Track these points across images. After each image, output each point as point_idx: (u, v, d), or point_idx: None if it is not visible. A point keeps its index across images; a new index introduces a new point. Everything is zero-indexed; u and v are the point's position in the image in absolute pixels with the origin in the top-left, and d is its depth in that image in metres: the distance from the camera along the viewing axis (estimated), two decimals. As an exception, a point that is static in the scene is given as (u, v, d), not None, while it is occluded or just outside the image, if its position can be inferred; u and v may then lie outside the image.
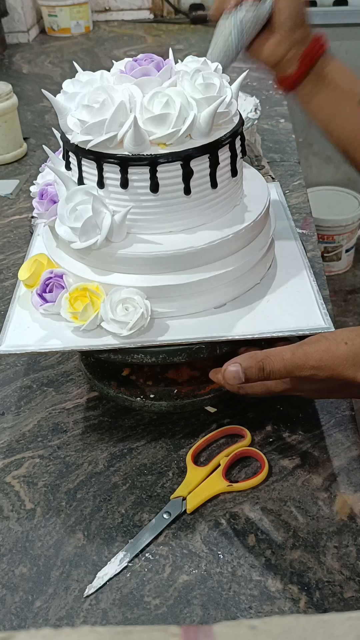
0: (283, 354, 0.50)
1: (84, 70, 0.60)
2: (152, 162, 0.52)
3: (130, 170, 0.53)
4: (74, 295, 0.56)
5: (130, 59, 0.57)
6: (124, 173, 0.53)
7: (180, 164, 0.53)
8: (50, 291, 0.58)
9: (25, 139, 1.26)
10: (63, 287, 0.57)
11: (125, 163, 0.53)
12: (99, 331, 0.56)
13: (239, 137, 0.57)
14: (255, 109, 1.00)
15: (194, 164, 0.53)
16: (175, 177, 0.54)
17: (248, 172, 0.64)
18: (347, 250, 2.16)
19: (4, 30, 1.84)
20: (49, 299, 0.58)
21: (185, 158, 0.53)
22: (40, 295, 0.58)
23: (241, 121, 0.58)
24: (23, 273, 0.61)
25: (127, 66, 0.56)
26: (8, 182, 1.14)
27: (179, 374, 0.66)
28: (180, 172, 0.53)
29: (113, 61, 0.60)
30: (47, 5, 1.91)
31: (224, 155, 0.56)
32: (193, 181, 0.54)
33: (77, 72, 0.59)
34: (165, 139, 0.52)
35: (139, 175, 0.53)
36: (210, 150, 0.54)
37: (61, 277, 0.58)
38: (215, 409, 0.65)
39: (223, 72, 0.59)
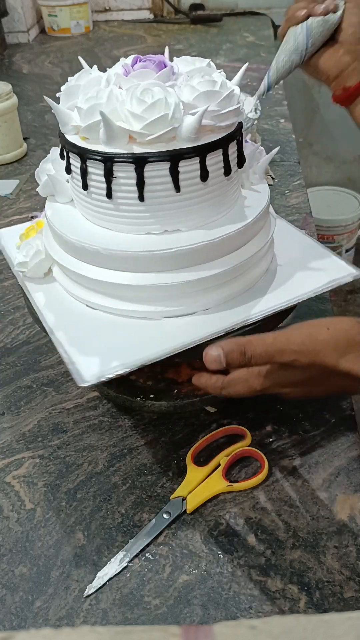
0: (265, 339, 0.49)
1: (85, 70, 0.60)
2: (138, 160, 0.52)
3: (114, 167, 0.53)
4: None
5: (134, 56, 0.57)
6: (107, 169, 0.53)
7: (134, 168, 0.52)
8: None
9: (25, 139, 1.26)
10: None
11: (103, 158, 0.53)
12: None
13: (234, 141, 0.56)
14: (255, 109, 1.00)
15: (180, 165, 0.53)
16: (164, 177, 0.53)
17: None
18: (347, 250, 2.16)
19: (4, 30, 1.84)
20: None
21: (139, 160, 0.52)
22: None
23: (239, 125, 0.58)
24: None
25: (127, 64, 0.56)
26: (8, 182, 1.14)
27: (179, 374, 0.66)
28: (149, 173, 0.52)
29: (115, 62, 0.59)
30: (47, 5, 1.91)
31: (211, 160, 0.54)
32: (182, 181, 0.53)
33: (77, 72, 0.59)
34: (137, 136, 0.51)
35: (124, 173, 0.53)
36: (174, 157, 0.52)
37: None
38: (215, 409, 0.65)
39: (280, 80, 0.65)
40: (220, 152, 0.54)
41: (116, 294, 0.57)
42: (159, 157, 0.51)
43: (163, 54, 0.57)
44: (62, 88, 0.57)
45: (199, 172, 0.53)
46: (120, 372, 0.51)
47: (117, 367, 0.52)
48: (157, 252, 0.54)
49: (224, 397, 0.55)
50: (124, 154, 0.52)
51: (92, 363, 0.53)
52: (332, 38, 0.67)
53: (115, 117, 0.52)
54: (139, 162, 0.51)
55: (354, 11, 0.66)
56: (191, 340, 0.54)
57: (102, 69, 0.58)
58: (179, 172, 0.52)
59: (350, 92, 0.68)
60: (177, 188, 0.53)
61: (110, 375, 0.51)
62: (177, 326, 0.56)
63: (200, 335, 0.54)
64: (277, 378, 0.52)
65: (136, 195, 0.53)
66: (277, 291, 0.60)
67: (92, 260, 0.56)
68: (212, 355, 0.49)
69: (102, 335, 0.56)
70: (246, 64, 0.63)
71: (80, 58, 0.63)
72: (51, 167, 0.63)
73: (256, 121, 0.99)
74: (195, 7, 2.07)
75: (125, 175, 0.52)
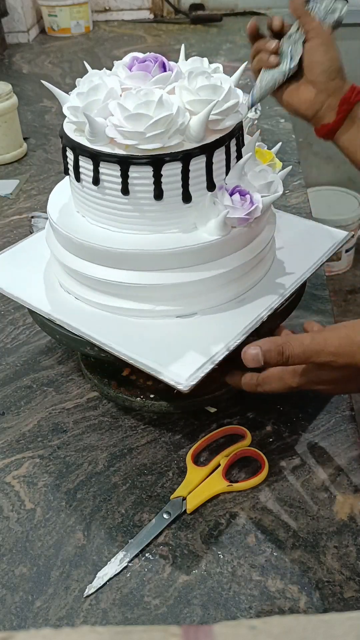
0: (302, 339, 0.50)
1: (84, 70, 0.60)
2: (123, 161, 0.52)
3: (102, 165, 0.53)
4: None
5: (134, 54, 0.57)
6: (95, 167, 0.53)
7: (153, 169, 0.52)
8: None
9: (25, 139, 1.26)
10: None
11: (96, 158, 0.53)
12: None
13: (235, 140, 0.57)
14: (255, 109, 1.00)
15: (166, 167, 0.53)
16: (176, 175, 0.53)
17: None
18: (347, 250, 2.16)
19: (4, 30, 1.84)
20: None
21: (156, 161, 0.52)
22: None
23: (239, 125, 0.58)
24: None
25: (129, 62, 0.56)
26: (8, 182, 1.14)
27: (179, 374, 0.66)
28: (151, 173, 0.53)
29: (114, 62, 0.59)
30: (47, 5, 1.91)
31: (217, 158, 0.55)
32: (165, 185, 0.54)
33: (77, 72, 0.59)
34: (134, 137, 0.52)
35: (140, 173, 0.53)
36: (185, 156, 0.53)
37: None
38: (215, 409, 0.65)
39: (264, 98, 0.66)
40: (223, 150, 0.55)
41: (128, 293, 0.58)
42: (174, 157, 0.52)
43: (164, 54, 0.57)
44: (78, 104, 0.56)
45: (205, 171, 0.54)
46: (210, 367, 0.52)
47: (205, 363, 0.52)
48: (183, 248, 0.55)
49: (259, 394, 0.56)
50: (140, 155, 0.52)
51: (177, 367, 0.53)
52: (301, 76, 0.68)
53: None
54: (157, 163, 0.52)
55: (319, 49, 0.67)
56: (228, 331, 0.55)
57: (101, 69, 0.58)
58: (189, 170, 0.53)
59: (330, 128, 0.69)
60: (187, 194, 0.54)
61: (207, 370, 0.52)
62: (210, 322, 0.58)
63: (240, 327, 0.55)
64: (313, 376, 0.53)
65: (152, 195, 0.54)
66: (279, 282, 0.61)
67: (99, 260, 0.57)
68: (251, 353, 0.51)
69: (150, 340, 0.56)
70: (244, 64, 0.63)
71: (85, 63, 0.63)
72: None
73: (256, 121, 0.99)
74: (195, 7, 2.06)
75: (141, 175, 0.53)
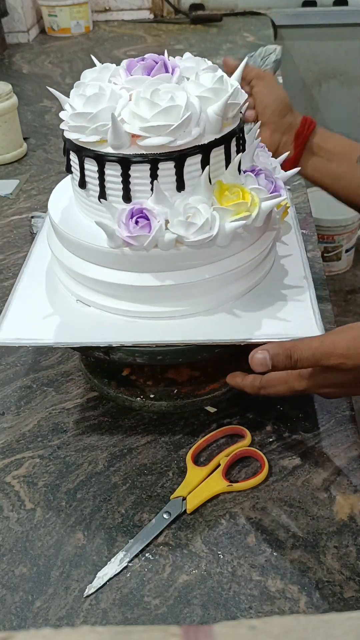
0: (311, 343, 0.50)
1: (84, 70, 0.60)
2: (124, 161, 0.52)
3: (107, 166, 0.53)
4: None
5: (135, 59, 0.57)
6: (100, 167, 0.53)
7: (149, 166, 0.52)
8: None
9: (25, 139, 1.26)
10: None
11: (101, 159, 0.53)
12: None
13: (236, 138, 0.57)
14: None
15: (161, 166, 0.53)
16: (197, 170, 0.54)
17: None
18: (347, 250, 2.16)
19: (4, 30, 1.84)
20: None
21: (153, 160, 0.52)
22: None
23: (240, 125, 0.58)
24: None
25: (129, 65, 0.56)
26: (8, 182, 1.14)
27: (179, 374, 0.66)
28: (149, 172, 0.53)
29: (114, 62, 0.60)
30: (47, 5, 1.91)
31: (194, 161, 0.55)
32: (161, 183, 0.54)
33: (77, 72, 0.59)
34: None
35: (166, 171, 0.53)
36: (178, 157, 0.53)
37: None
38: (215, 409, 0.65)
39: None
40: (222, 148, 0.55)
41: (109, 292, 0.58)
42: (194, 151, 0.53)
43: (163, 54, 0.57)
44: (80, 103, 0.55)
45: (224, 163, 0.55)
46: (26, 343, 0.57)
47: (32, 339, 0.57)
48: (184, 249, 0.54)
49: (263, 397, 0.56)
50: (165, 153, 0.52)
51: (21, 328, 0.58)
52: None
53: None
54: (180, 158, 0.52)
55: (264, 91, 0.71)
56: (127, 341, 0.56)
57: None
58: (208, 163, 0.54)
59: (292, 162, 0.72)
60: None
61: (16, 344, 0.57)
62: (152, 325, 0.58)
63: (137, 340, 0.56)
64: (320, 380, 0.53)
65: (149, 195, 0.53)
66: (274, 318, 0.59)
67: (94, 259, 0.57)
68: (259, 358, 0.50)
69: (64, 318, 0.59)
70: (246, 59, 0.63)
71: (93, 57, 0.63)
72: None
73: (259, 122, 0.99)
74: (195, 7, 2.06)
75: (164, 173, 0.53)
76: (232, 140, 0.55)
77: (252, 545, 0.53)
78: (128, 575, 0.51)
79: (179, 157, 0.52)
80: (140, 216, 0.52)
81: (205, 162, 0.53)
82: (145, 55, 0.56)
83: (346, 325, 0.52)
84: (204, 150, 0.53)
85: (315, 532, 0.53)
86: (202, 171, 0.53)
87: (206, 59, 0.58)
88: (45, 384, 0.70)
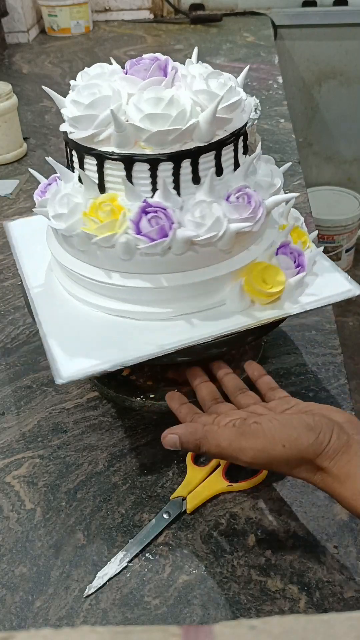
0: (219, 441, 0.48)
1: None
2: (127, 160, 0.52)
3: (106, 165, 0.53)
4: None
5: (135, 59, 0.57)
6: (100, 168, 0.53)
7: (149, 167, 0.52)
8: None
9: (25, 139, 1.26)
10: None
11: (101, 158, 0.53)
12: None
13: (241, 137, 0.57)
14: (255, 109, 1.00)
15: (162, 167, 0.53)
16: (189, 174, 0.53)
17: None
18: (347, 250, 2.16)
19: (4, 30, 1.84)
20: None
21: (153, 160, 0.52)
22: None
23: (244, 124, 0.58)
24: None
25: (130, 65, 0.56)
26: (8, 182, 1.14)
27: (179, 374, 0.66)
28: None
29: (113, 61, 0.59)
30: (47, 5, 1.91)
31: (207, 160, 0.55)
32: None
33: (77, 72, 0.59)
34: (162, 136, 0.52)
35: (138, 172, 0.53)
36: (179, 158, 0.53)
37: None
38: (215, 409, 0.65)
39: None
40: (225, 148, 0.55)
41: (117, 295, 0.57)
42: (177, 155, 0.52)
43: (163, 53, 0.57)
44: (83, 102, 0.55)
45: (214, 169, 0.54)
46: (96, 371, 0.53)
47: (95, 365, 0.53)
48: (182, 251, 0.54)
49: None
50: (167, 153, 0.52)
51: (71, 360, 0.54)
52: None
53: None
54: (178, 159, 0.52)
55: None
56: (173, 345, 0.54)
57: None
58: (198, 166, 0.53)
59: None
60: (197, 180, 0.54)
61: (87, 374, 0.52)
62: (163, 329, 0.57)
63: (184, 340, 0.55)
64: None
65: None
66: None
67: (99, 262, 0.57)
68: (169, 440, 0.49)
69: (91, 334, 0.57)
70: (247, 67, 0.63)
71: (112, 59, 0.63)
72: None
73: (256, 121, 0.99)
74: (195, 7, 2.07)
75: (163, 174, 0.53)
76: (240, 139, 0.56)
77: (252, 545, 0.53)
78: (128, 575, 0.51)
79: (187, 155, 0.52)
80: (154, 216, 0.52)
81: (212, 162, 0.53)
82: (145, 55, 0.56)
83: (260, 429, 0.47)
84: (195, 154, 0.53)
85: (315, 532, 0.53)
86: (215, 169, 0.53)
87: (207, 65, 0.58)
88: (45, 384, 0.70)
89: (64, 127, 0.56)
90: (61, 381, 0.52)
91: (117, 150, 0.52)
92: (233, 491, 0.57)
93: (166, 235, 0.52)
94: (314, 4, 2.02)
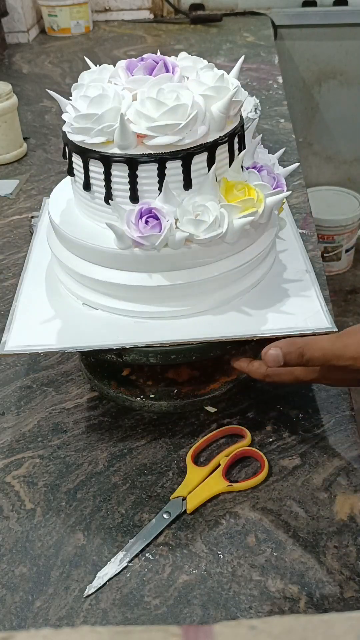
0: (322, 343, 0.51)
1: (84, 70, 0.60)
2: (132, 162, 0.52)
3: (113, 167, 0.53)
4: None
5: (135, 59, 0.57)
6: (106, 169, 0.53)
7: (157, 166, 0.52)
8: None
9: (25, 139, 1.26)
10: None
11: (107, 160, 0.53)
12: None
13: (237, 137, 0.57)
14: (255, 109, 1.00)
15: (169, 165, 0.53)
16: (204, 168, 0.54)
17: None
18: (347, 250, 2.16)
19: (4, 30, 1.84)
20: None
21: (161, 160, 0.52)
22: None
23: (241, 122, 0.58)
24: None
25: (129, 65, 0.56)
26: (8, 182, 1.14)
27: (179, 374, 0.66)
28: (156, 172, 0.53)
29: (115, 62, 0.59)
30: (47, 5, 1.91)
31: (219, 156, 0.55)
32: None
33: (77, 72, 0.59)
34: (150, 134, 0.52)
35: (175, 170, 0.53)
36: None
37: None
38: (215, 409, 0.65)
39: None
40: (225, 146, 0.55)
41: (116, 294, 0.57)
42: (201, 149, 0.52)
43: (163, 53, 0.57)
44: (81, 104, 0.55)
45: (227, 161, 0.55)
46: (33, 351, 0.56)
47: (42, 345, 0.56)
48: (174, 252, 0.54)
49: (266, 383, 0.58)
50: (148, 154, 0.52)
51: (23, 335, 0.57)
52: None
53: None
54: (187, 157, 0.52)
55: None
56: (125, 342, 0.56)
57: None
58: (214, 161, 0.54)
59: None
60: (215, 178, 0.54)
61: (23, 351, 0.56)
62: (158, 324, 0.57)
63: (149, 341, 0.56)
64: (326, 374, 0.55)
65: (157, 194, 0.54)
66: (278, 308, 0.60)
67: (90, 259, 0.57)
68: (272, 354, 0.52)
69: (72, 322, 0.59)
70: (242, 57, 0.63)
71: (86, 58, 0.62)
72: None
73: (256, 121, 0.99)
74: (195, 7, 2.06)
75: (175, 171, 0.53)
76: (235, 137, 0.56)
77: (252, 545, 0.53)
78: (128, 575, 0.51)
79: (186, 156, 0.52)
80: (150, 216, 0.52)
81: (211, 160, 0.53)
82: (144, 55, 0.56)
83: (356, 326, 0.52)
84: (210, 148, 0.53)
85: (315, 532, 0.53)
86: (208, 169, 0.53)
87: (202, 58, 0.58)
88: (45, 384, 0.70)
89: (65, 128, 0.56)
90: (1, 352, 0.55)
91: (120, 152, 0.52)
92: (233, 491, 0.57)
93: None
94: (314, 4, 2.02)
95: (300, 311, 0.58)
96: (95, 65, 0.59)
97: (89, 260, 0.57)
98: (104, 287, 0.57)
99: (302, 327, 0.56)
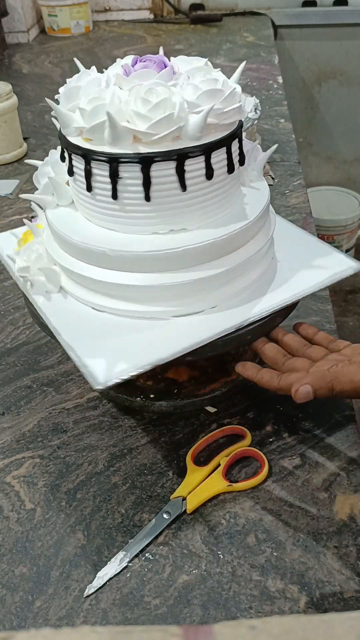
0: (351, 376, 0.51)
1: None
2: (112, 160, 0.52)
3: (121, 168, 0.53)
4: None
5: (132, 57, 0.57)
6: (112, 170, 0.53)
7: (140, 168, 0.52)
8: None
9: (25, 139, 1.26)
10: None
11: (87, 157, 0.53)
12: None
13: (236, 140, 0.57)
14: (255, 109, 1.00)
15: (187, 163, 0.53)
16: (170, 176, 0.53)
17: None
18: (347, 250, 2.16)
19: (4, 30, 1.84)
20: None
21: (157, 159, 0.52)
22: None
23: (240, 123, 0.58)
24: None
25: (128, 64, 0.56)
26: (8, 182, 1.14)
27: (179, 374, 0.66)
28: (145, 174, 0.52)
29: (118, 59, 0.59)
30: (47, 5, 1.91)
31: (216, 158, 0.55)
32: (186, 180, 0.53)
33: (77, 72, 0.59)
34: (143, 136, 0.51)
35: (130, 173, 0.53)
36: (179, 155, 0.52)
37: None
38: (215, 409, 0.65)
39: None
40: (224, 150, 0.55)
41: (123, 295, 0.57)
42: (166, 156, 0.51)
43: (159, 52, 0.57)
44: (61, 90, 0.57)
45: (204, 171, 0.53)
46: (132, 374, 0.52)
47: (128, 368, 0.52)
48: (165, 251, 0.54)
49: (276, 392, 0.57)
50: (130, 154, 0.52)
51: (102, 365, 0.53)
52: None
53: (120, 117, 0.51)
54: (146, 161, 0.51)
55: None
56: (200, 339, 0.54)
57: (102, 70, 0.58)
58: (185, 170, 0.52)
59: None
60: (184, 187, 0.53)
61: (124, 377, 0.51)
62: (185, 325, 0.56)
63: (210, 334, 0.55)
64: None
65: (142, 195, 0.53)
66: (281, 287, 0.60)
67: (98, 262, 0.56)
68: (302, 392, 0.52)
69: (110, 337, 0.56)
70: (244, 62, 0.63)
71: (76, 60, 0.62)
72: (50, 170, 0.62)
73: (256, 121, 0.99)
74: (195, 7, 2.07)
75: (130, 175, 0.52)
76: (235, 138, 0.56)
77: (252, 545, 0.53)
78: (128, 575, 0.51)
79: (185, 156, 0.52)
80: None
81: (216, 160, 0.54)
82: (143, 56, 0.56)
83: None
84: (207, 151, 0.53)
85: (315, 532, 0.53)
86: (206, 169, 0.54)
87: (199, 58, 0.58)
88: (45, 384, 0.70)
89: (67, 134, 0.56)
90: (99, 387, 0.51)
91: (108, 150, 0.52)
92: (233, 491, 0.57)
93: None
94: (314, 4, 2.02)
95: (325, 264, 0.62)
96: (90, 67, 0.59)
97: (88, 261, 0.57)
98: (122, 290, 0.57)
99: (332, 273, 0.60)
